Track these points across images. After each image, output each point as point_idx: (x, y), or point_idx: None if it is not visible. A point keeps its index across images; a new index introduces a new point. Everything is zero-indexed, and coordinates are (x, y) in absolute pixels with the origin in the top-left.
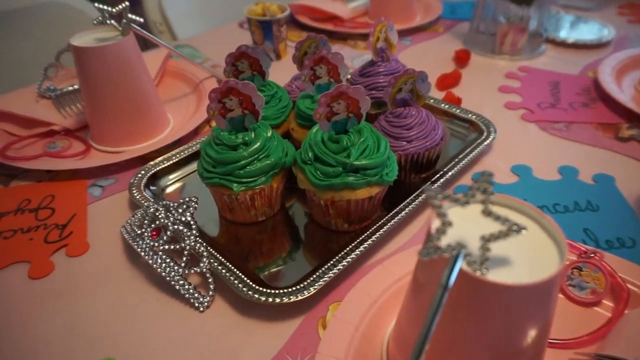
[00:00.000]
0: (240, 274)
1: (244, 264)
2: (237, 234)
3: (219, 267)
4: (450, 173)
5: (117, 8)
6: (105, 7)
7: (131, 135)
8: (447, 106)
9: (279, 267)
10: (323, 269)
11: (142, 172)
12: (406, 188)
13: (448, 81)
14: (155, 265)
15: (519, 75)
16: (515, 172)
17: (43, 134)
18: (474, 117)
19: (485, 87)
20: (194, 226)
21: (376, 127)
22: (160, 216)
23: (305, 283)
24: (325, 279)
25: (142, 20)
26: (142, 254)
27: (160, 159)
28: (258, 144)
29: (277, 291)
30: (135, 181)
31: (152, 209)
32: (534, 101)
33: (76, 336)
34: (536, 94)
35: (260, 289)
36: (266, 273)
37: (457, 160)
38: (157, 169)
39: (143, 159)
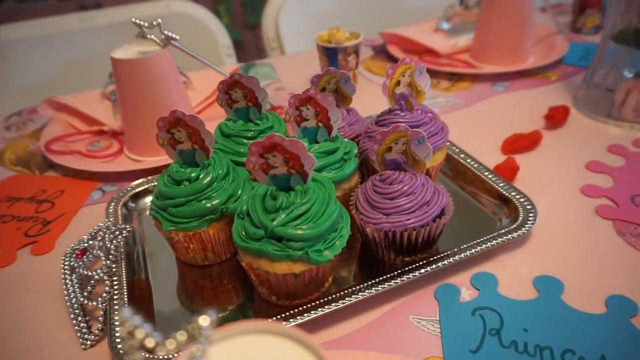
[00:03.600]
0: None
1: (166, 308)
2: (181, 274)
3: (115, 306)
4: (439, 264)
5: (153, 23)
6: (140, 22)
7: (154, 146)
8: (490, 175)
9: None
10: None
11: (133, 186)
12: (385, 270)
13: (520, 144)
14: (63, 286)
15: (630, 150)
16: (537, 287)
17: (96, 132)
18: (516, 195)
19: (567, 160)
20: (112, 254)
21: (360, 189)
22: (97, 237)
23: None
24: None
25: (177, 37)
26: (61, 271)
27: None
28: (201, 183)
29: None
30: (120, 195)
31: (96, 228)
32: (630, 191)
33: None
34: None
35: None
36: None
37: (458, 249)
38: (142, 187)
39: (157, 171)
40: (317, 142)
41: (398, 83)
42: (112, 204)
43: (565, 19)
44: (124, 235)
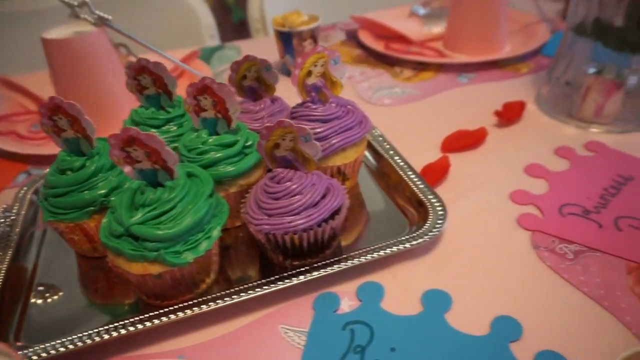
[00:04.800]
0: None
1: (44, 298)
2: (79, 265)
3: None
4: (315, 273)
5: (83, 1)
6: (71, 1)
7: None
8: (412, 176)
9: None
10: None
11: None
12: (274, 272)
13: (461, 142)
14: None
15: (577, 154)
16: (423, 302)
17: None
18: (432, 199)
19: (506, 161)
20: None
21: (255, 187)
22: None
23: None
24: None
25: (110, 17)
26: None
27: None
28: (84, 174)
29: None
30: (36, 179)
31: None
32: (561, 200)
33: None
34: (577, 188)
35: None
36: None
37: (348, 255)
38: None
39: None
40: (217, 134)
41: (309, 73)
42: (24, 188)
43: (558, 6)
44: (7, 222)
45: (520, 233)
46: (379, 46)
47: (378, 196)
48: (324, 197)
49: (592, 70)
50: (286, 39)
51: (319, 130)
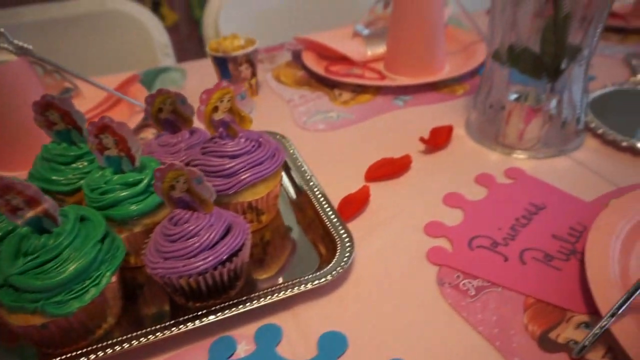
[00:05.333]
0: None
1: None
2: None
3: None
4: (211, 317)
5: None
6: None
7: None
8: (327, 209)
9: None
10: None
11: None
12: (182, 312)
13: (385, 170)
14: None
15: (496, 182)
16: (319, 346)
17: None
18: (343, 234)
19: (427, 191)
20: None
21: (157, 227)
22: None
23: None
24: None
25: (30, 46)
26: None
27: None
28: None
29: None
30: None
31: None
32: (473, 230)
33: None
34: (490, 219)
35: None
36: None
37: (246, 297)
38: None
39: None
40: (123, 172)
41: (216, 109)
42: None
43: None
44: None
45: (427, 268)
46: (319, 68)
47: (296, 230)
48: (224, 237)
49: (512, 95)
50: (221, 63)
51: (227, 166)
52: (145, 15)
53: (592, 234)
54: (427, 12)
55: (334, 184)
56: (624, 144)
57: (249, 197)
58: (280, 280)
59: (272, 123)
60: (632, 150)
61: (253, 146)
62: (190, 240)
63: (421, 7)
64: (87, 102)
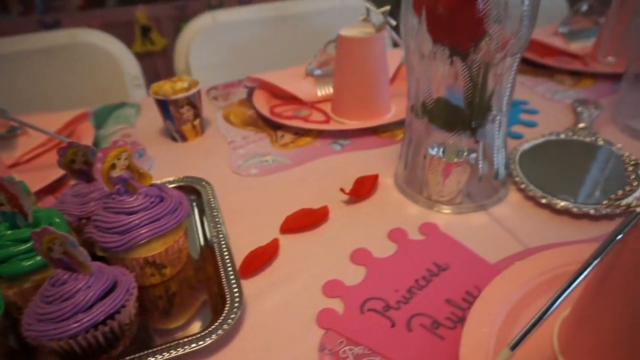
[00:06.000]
0: None
1: None
2: None
3: None
4: None
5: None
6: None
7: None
8: (229, 266)
9: None
10: None
11: None
12: None
13: (302, 221)
14: None
15: (410, 237)
16: None
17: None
18: (236, 294)
19: (338, 245)
20: None
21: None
22: None
23: None
24: None
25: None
26: None
27: None
28: None
29: None
30: None
31: None
32: (370, 291)
33: None
34: (390, 279)
35: None
36: None
37: None
38: None
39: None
40: (18, 227)
41: (114, 166)
42: None
43: None
44: None
45: (314, 332)
46: (266, 109)
47: (198, 286)
48: (104, 298)
49: (431, 148)
50: (163, 106)
51: (123, 222)
52: (116, 47)
53: (478, 302)
54: (368, 55)
55: (248, 234)
56: (543, 200)
57: (143, 253)
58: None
59: (208, 166)
60: (550, 208)
61: (152, 202)
62: (65, 302)
63: (362, 51)
64: (32, 140)
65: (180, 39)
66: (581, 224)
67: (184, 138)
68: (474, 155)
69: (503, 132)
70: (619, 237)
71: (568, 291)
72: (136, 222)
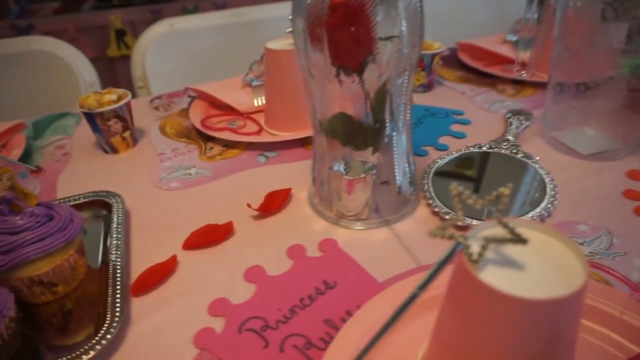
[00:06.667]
0: None
1: None
2: None
3: None
4: None
5: None
6: None
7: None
8: (118, 284)
9: None
10: None
11: None
12: None
13: (206, 237)
14: None
15: (307, 254)
16: None
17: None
18: (117, 313)
19: (235, 261)
20: None
21: None
22: None
23: None
24: None
25: None
26: None
27: None
28: None
29: None
30: None
31: None
32: (253, 310)
33: None
34: (276, 297)
35: None
36: None
37: None
38: None
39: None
40: None
41: None
42: None
43: None
44: None
45: (190, 352)
46: (199, 119)
47: (89, 304)
48: None
49: (336, 164)
50: (90, 119)
51: (7, 242)
52: (72, 54)
53: (350, 322)
54: (295, 67)
55: (151, 250)
56: (447, 217)
57: (28, 272)
58: None
59: (132, 179)
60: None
61: (38, 221)
62: None
63: (288, 63)
64: None
65: (138, 46)
66: None
67: (114, 150)
68: (375, 170)
69: (403, 148)
70: (442, 267)
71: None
72: (20, 241)
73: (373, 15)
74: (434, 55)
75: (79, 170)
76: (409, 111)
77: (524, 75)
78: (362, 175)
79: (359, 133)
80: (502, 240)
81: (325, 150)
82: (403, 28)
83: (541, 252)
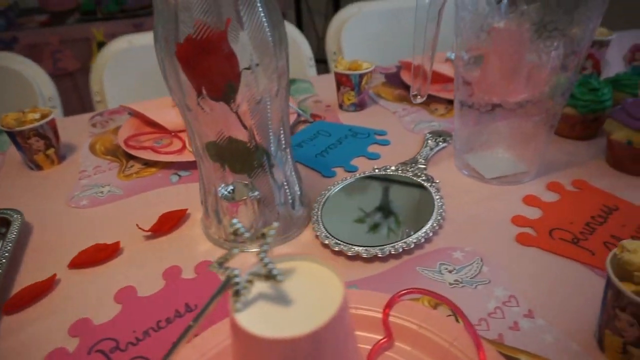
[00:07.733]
0: None
1: None
2: None
3: None
4: None
5: None
6: None
7: None
8: None
9: None
10: None
11: None
12: None
13: (92, 257)
14: None
15: (182, 277)
16: None
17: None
18: None
19: (111, 284)
20: None
21: None
22: None
23: None
24: None
25: None
26: None
27: None
28: None
29: None
30: None
31: None
32: (110, 332)
33: None
34: (136, 319)
35: None
36: None
37: None
38: None
39: None
40: None
41: None
42: None
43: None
44: None
45: None
46: (122, 138)
47: None
48: None
49: (222, 188)
50: (11, 137)
51: None
52: (30, 69)
53: (186, 349)
54: None
55: (38, 269)
56: (336, 248)
57: None
58: None
59: (50, 197)
60: (329, 248)
61: None
62: None
63: None
64: None
65: (97, 61)
66: (360, 265)
67: (38, 167)
68: (256, 193)
69: (280, 173)
70: (214, 300)
71: None
72: None
73: (222, 48)
74: (362, 75)
75: (6, 186)
76: (285, 135)
77: (418, 100)
78: (244, 198)
79: (236, 157)
80: (260, 277)
81: (208, 173)
82: (252, 60)
83: (307, 283)
